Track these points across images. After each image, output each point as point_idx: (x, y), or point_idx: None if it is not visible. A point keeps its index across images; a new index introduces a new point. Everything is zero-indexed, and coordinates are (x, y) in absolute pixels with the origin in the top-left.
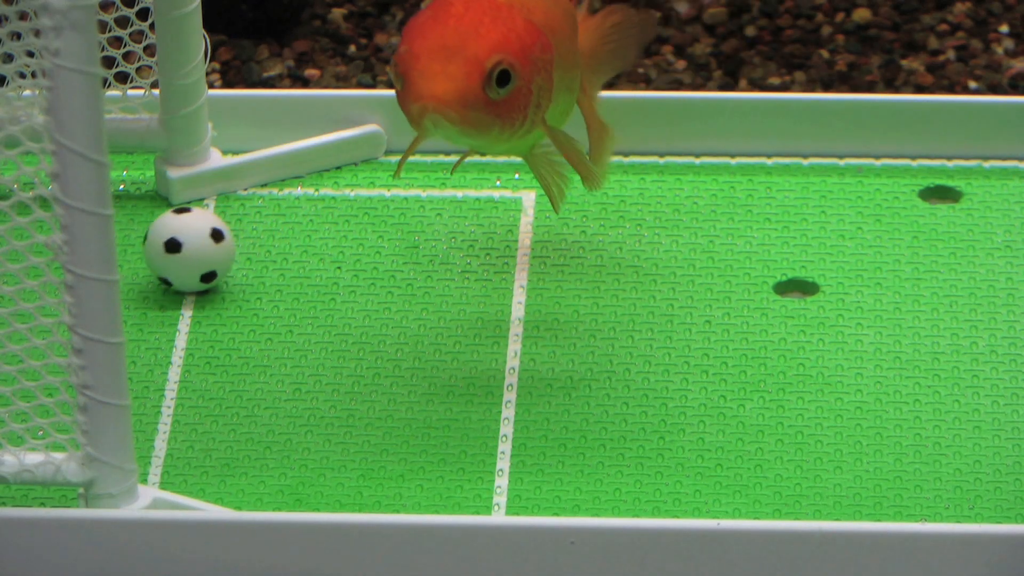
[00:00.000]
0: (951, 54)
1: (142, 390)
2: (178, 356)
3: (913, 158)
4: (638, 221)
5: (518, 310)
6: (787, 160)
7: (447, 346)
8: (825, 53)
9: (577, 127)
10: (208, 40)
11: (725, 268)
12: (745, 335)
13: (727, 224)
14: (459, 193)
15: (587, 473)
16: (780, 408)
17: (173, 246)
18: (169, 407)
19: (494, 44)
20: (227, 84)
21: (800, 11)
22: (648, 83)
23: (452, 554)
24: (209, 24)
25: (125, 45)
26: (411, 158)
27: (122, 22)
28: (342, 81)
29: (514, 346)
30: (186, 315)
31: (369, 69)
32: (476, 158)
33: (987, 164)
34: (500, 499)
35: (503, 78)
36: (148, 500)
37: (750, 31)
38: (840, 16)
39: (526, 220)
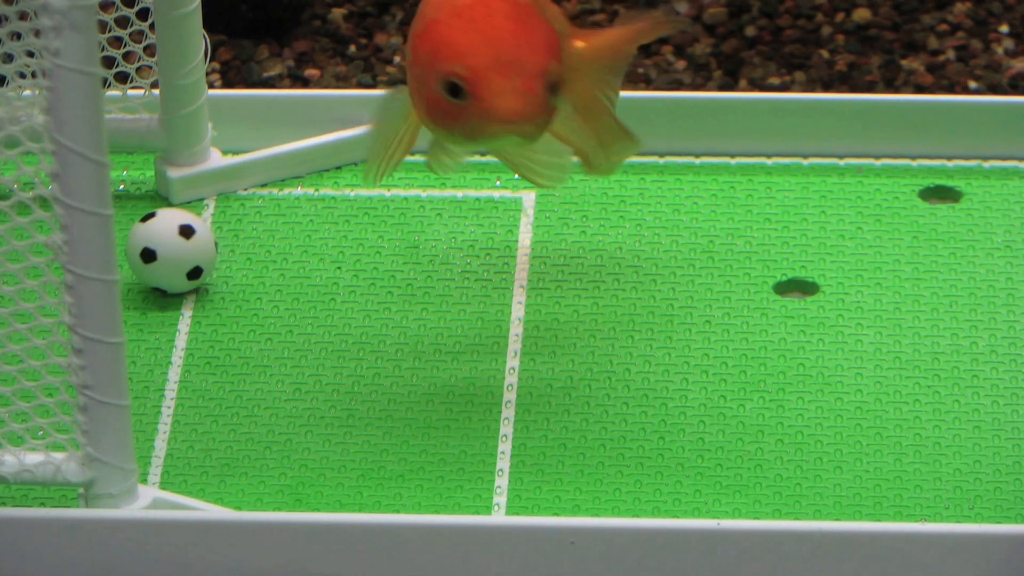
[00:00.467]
0: (951, 54)
1: (142, 390)
2: (178, 356)
3: (913, 158)
4: (638, 221)
5: (518, 310)
6: (787, 160)
7: (447, 346)
8: (825, 53)
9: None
10: (208, 40)
11: (725, 268)
12: (745, 335)
13: (727, 224)
14: (459, 193)
15: (587, 473)
16: (780, 408)
17: (148, 255)
18: (169, 407)
19: (545, 52)
20: (227, 84)
21: (800, 11)
22: (648, 83)
23: (452, 554)
24: (209, 24)
25: (125, 45)
26: (410, 158)
27: (122, 22)
28: (342, 81)
29: (514, 346)
30: (186, 315)
31: (369, 69)
32: (476, 158)
33: (987, 164)
34: (500, 499)
35: (556, 86)
36: (148, 500)
37: (750, 31)
38: (840, 16)
39: (526, 220)
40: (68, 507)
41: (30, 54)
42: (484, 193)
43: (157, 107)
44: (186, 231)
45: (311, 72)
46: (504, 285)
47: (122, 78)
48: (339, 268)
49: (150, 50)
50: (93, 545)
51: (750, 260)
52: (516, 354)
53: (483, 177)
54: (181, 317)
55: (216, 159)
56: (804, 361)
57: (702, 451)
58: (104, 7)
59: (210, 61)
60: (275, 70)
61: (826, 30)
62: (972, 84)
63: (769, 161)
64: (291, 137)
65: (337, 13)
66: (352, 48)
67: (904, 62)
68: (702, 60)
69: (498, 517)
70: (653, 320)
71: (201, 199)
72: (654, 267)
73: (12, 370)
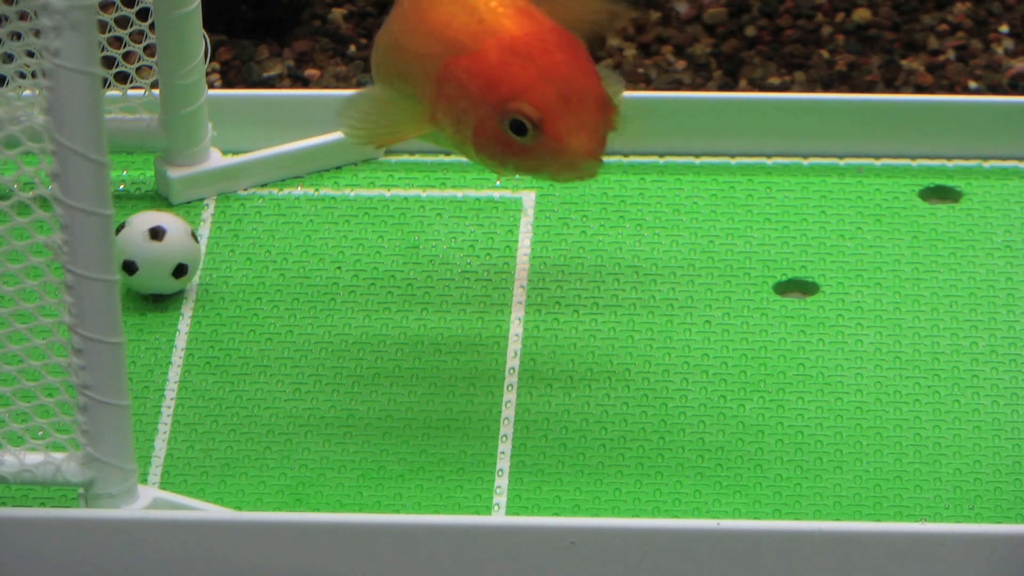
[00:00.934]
0: (951, 54)
1: (142, 390)
2: (178, 356)
3: (913, 158)
4: (638, 221)
5: (518, 310)
6: (787, 160)
7: (447, 346)
8: (825, 53)
9: None
10: (208, 40)
11: (725, 268)
12: (745, 335)
13: (727, 224)
14: (459, 193)
15: (587, 473)
16: (780, 408)
17: (129, 267)
18: (169, 407)
19: (599, 80)
20: (227, 84)
21: (800, 11)
22: (648, 83)
23: (452, 554)
24: (209, 24)
25: (125, 45)
26: (409, 158)
27: (122, 22)
28: (342, 81)
29: (514, 346)
30: (186, 315)
31: (369, 69)
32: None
33: (987, 164)
34: (500, 499)
35: (614, 114)
36: (148, 500)
37: (750, 31)
38: (840, 16)
39: (526, 220)
40: (68, 507)
41: (30, 54)
42: (484, 193)
43: (157, 107)
44: (156, 233)
45: (311, 72)
46: (504, 285)
47: (122, 78)
48: (339, 268)
49: (150, 50)
50: (93, 545)
51: (750, 260)
52: (516, 354)
53: (483, 177)
54: (181, 317)
55: (216, 159)
56: (804, 361)
57: (702, 451)
58: (104, 7)
59: (210, 61)
60: (275, 70)
61: (826, 30)
62: (972, 84)
63: (769, 161)
64: (291, 137)
65: (337, 13)
66: (352, 48)
67: (904, 62)
68: (702, 60)
69: (498, 517)
70: (653, 320)
71: (201, 199)
72: (654, 267)
73: (12, 370)
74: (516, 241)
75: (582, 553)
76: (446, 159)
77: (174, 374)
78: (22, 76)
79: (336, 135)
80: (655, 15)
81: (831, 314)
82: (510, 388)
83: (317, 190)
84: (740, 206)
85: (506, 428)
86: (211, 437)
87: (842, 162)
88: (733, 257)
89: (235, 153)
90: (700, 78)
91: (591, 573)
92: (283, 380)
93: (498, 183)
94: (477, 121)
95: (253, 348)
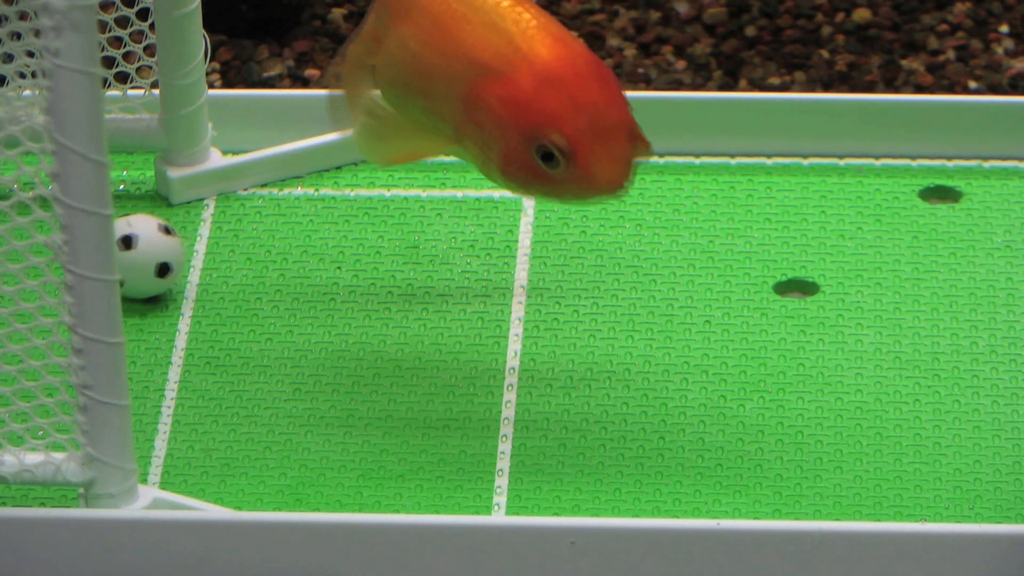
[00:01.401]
0: (951, 54)
1: (142, 390)
2: (178, 356)
3: (913, 158)
4: (638, 221)
5: (518, 310)
6: (787, 160)
7: (447, 346)
8: (825, 53)
9: None
10: (208, 40)
11: (725, 268)
12: (745, 335)
13: (727, 224)
14: (459, 193)
15: (587, 473)
16: (780, 408)
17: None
18: (169, 407)
19: (628, 106)
20: (227, 84)
21: (800, 11)
22: (648, 83)
23: (452, 554)
24: (209, 24)
25: (125, 45)
26: None
27: (122, 22)
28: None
29: (514, 346)
30: (186, 315)
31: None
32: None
33: (987, 164)
34: (500, 499)
35: (639, 140)
36: (148, 500)
37: (750, 31)
38: (840, 16)
39: (526, 220)
40: (68, 507)
41: (30, 54)
42: (484, 193)
43: (157, 107)
44: (127, 242)
45: (311, 72)
46: (504, 285)
47: (122, 78)
48: (339, 268)
49: (150, 50)
50: (93, 545)
51: (750, 260)
52: (516, 354)
53: (483, 177)
54: (181, 317)
55: (216, 159)
56: (804, 361)
57: (702, 451)
58: (104, 7)
59: (210, 61)
60: (275, 70)
61: (826, 30)
62: (972, 84)
63: (769, 161)
64: (291, 137)
65: (337, 13)
66: None
67: (904, 62)
68: (702, 60)
69: (498, 517)
70: (653, 320)
71: (201, 199)
72: (654, 267)
73: (12, 370)
74: (516, 241)
75: (582, 553)
76: (446, 159)
77: (174, 374)
78: (22, 76)
79: (336, 135)
80: (655, 15)
81: (831, 314)
82: (510, 388)
83: (317, 190)
84: (740, 206)
85: (506, 428)
86: (211, 437)
87: (842, 162)
88: (733, 257)
89: (235, 153)
90: (700, 78)
91: (591, 573)
92: (283, 380)
93: None
94: (505, 147)
95: (253, 348)
